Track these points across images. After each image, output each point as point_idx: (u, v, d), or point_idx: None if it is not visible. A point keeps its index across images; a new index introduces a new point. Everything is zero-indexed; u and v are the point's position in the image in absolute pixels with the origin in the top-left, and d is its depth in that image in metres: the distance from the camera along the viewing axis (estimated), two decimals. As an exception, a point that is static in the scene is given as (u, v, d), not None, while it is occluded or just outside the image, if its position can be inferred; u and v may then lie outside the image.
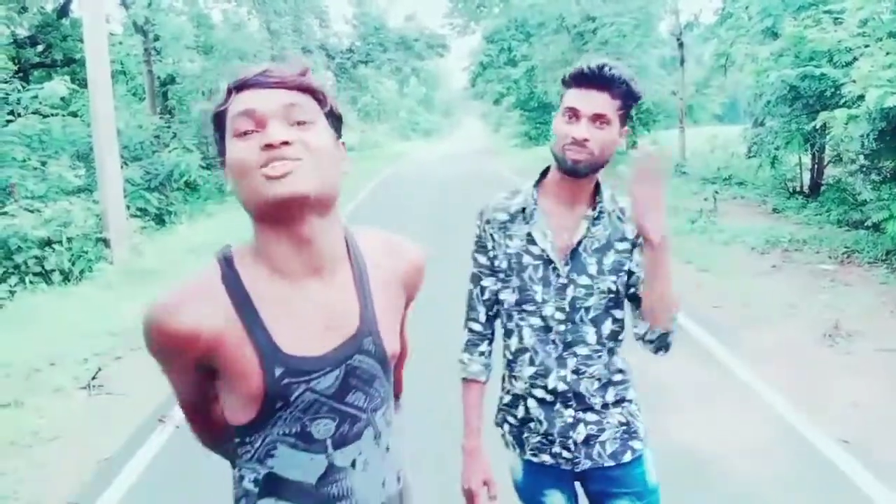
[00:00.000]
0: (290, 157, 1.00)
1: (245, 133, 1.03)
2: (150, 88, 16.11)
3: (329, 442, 1.10)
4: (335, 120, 1.11)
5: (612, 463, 1.68)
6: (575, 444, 1.67)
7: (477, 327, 1.77)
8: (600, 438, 1.67)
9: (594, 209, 1.65)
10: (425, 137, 57.93)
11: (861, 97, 6.77)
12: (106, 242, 8.27)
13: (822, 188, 11.28)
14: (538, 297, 1.65)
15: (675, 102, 17.70)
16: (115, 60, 14.39)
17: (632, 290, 1.66)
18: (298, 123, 1.04)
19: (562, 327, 1.64)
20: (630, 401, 1.71)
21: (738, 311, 5.93)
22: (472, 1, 28.77)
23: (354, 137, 32.22)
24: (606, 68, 1.54)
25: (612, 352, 1.68)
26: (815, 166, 11.51)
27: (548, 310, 1.65)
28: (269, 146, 1.00)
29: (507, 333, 1.72)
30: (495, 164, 25.40)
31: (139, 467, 3.62)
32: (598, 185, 1.67)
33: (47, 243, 7.74)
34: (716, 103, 22.48)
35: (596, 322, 1.65)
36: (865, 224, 8.13)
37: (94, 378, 4.85)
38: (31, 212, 8.02)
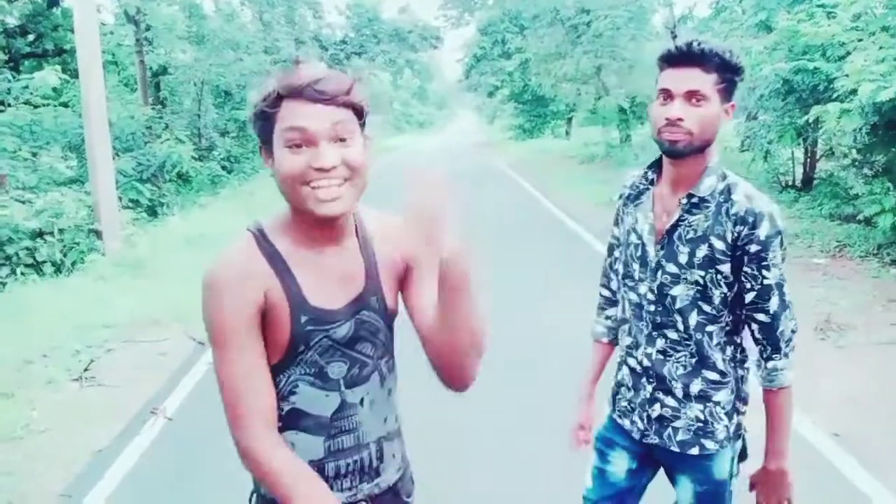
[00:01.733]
0: (336, 178, 1.17)
1: (296, 145, 1.17)
2: (142, 79, 16.01)
3: (342, 381, 1.30)
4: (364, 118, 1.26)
5: (678, 450, 1.70)
6: (649, 418, 1.72)
7: (606, 293, 1.91)
8: (674, 424, 1.69)
9: (687, 196, 1.60)
10: (419, 129, 57.81)
11: (854, 91, 6.78)
12: (98, 234, 8.23)
13: (815, 182, 11.32)
14: (636, 275, 1.71)
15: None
16: (107, 51, 14.30)
17: (740, 294, 1.60)
18: (341, 140, 1.18)
19: (652, 307, 1.67)
20: (717, 402, 1.66)
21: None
22: (466, -8, 28.66)
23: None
24: (695, 43, 1.51)
25: (705, 345, 1.64)
26: (808, 160, 11.54)
27: (642, 288, 1.69)
28: (320, 169, 1.16)
29: (621, 302, 1.81)
30: (498, 159, 25.32)
31: (131, 459, 3.61)
32: (705, 170, 1.60)
33: (39, 234, 7.70)
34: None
35: (682, 312, 1.63)
36: (857, 218, 8.17)
37: (86, 370, 4.84)
38: (23, 203, 7.98)
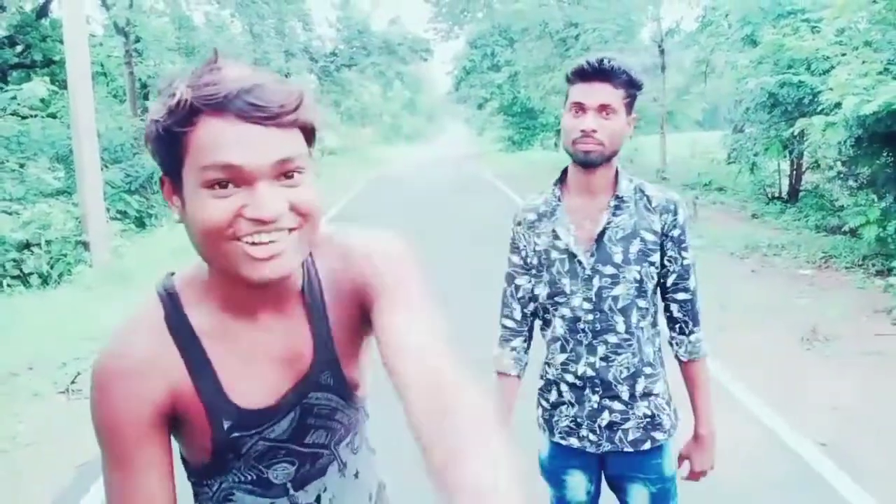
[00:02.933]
0: (282, 229, 0.83)
1: (219, 185, 0.81)
2: (131, 90, 15.98)
3: (290, 485, 1.02)
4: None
5: (630, 449, 1.74)
6: (599, 427, 1.74)
7: (510, 323, 1.84)
8: (623, 426, 1.73)
9: (614, 198, 1.69)
10: (409, 141, 57.92)
11: (838, 105, 6.87)
12: (85, 245, 8.18)
13: (801, 194, 11.43)
14: (567, 290, 1.72)
15: (656, 108, 17.86)
16: (96, 62, 14.27)
17: (661, 280, 1.73)
18: (287, 176, 0.84)
19: (590, 317, 1.70)
20: (657, 394, 1.75)
21: (717, 315, 5.98)
22: (455, 6, 28.81)
23: (336, 141, 32.13)
24: (606, 61, 1.61)
25: (642, 342, 1.72)
26: (794, 172, 11.66)
27: (576, 300, 1.71)
28: (259, 221, 0.81)
29: (545, 324, 1.81)
30: (486, 170, 25.37)
31: (118, 472, 3.58)
32: (617, 175, 1.72)
33: (26, 246, 7.66)
34: (696, 109, 22.74)
35: (624, 311, 1.69)
36: (843, 229, 8.25)
37: (73, 382, 4.80)
38: (10, 214, 7.94)
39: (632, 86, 1.64)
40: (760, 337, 5.38)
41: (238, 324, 0.95)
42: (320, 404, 1.00)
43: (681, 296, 1.74)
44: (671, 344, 1.80)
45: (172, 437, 0.98)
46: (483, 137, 43.75)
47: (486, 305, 5.95)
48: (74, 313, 6.32)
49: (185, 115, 0.80)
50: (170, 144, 0.83)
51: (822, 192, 10.59)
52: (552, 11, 20.49)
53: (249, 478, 1.00)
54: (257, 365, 0.96)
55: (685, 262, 1.72)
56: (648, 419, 1.74)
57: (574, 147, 1.64)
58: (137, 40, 15.59)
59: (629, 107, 1.67)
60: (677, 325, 1.77)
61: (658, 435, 1.75)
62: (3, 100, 10.36)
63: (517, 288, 1.81)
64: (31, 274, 7.52)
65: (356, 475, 1.10)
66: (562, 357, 1.76)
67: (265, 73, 0.85)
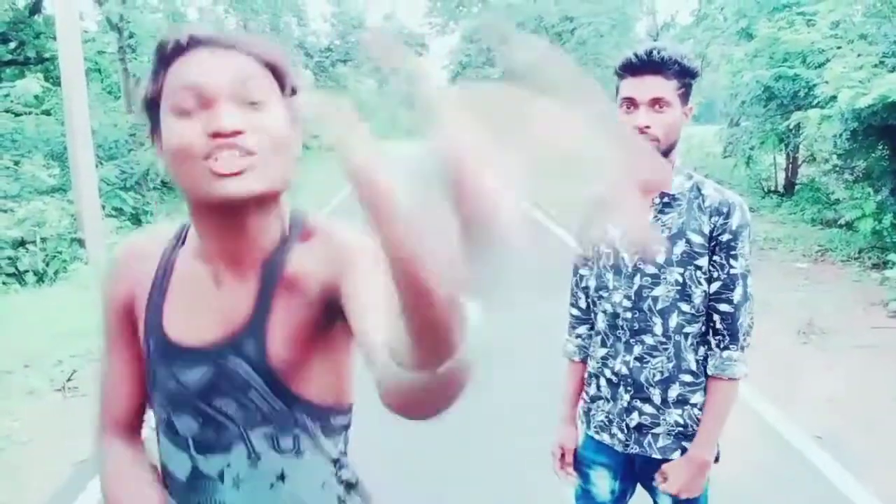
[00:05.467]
0: (243, 147, 0.87)
1: (187, 112, 0.87)
2: (125, 86, 15.92)
3: (191, 442, 1.02)
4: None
5: (658, 456, 1.69)
6: (628, 427, 1.71)
7: (575, 312, 1.88)
8: (653, 431, 1.69)
9: (663, 195, 1.62)
10: (409, 137, 57.83)
11: (833, 98, 6.88)
12: (81, 242, 8.16)
13: (797, 187, 11.45)
14: (609, 285, 1.70)
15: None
16: (89, 58, 14.22)
17: (703, 287, 1.61)
18: (252, 103, 0.88)
19: (628, 314, 1.67)
20: (694, 404, 1.66)
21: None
22: (450, 0, 28.78)
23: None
24: (655, 51, 1.53)
25: (682, 347, 1.64)
26: (790, 166, 11.68)
27: (616, 297, 1.68)
28: (217, 134, 0.86)
29: (594, 316, 1.79)
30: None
31: (115, 470, 3.57)
32: (673, 170, 1.65)
33: (21, 244, 7.63)
34: (692, 103, 22.72)
35: (663, 313, 1.63)
36: (839, 223, 8.27)
37: (68, 380, 4.79)
38: (4, 212, 7.91)
39: (685, 74, 1.56)
40: (756, 330, 5.33)
41: (199, 268, 1.01)
42: (236, 372, 0.98)
43: (723, 307, 1.61)
44: (706, 354, 1.69)
45: None
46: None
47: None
48: (70, 311, 6.30)
49: (157, 68, 0.92)
50: (152, 93, 0.92)
51: (818, 186, 10.61)
52: (547, 6, 20.48)
53: (163, 416, 1.04)
54: (197, 309, 1.01)
55: (732, 271, 1.59)
56: (681, 428, 1.67)
57: None
58: (131, 36, 15.51)
59: (684, 97, 1.58)
60: (715, 338, 1.65)
61: (689, 445, 1.67)
62: (-3, 97, 10.33)
63: (581, 278, 1.84)
64: (26, 271, 7.49)
65: (281, 478, 1.03)
66: (602, 351, 1.75)
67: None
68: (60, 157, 10.48)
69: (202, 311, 1.00)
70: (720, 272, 1.60)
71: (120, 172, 12.75)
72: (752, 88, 9.87)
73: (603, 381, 1.75)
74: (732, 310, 1.61)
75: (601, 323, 1.74)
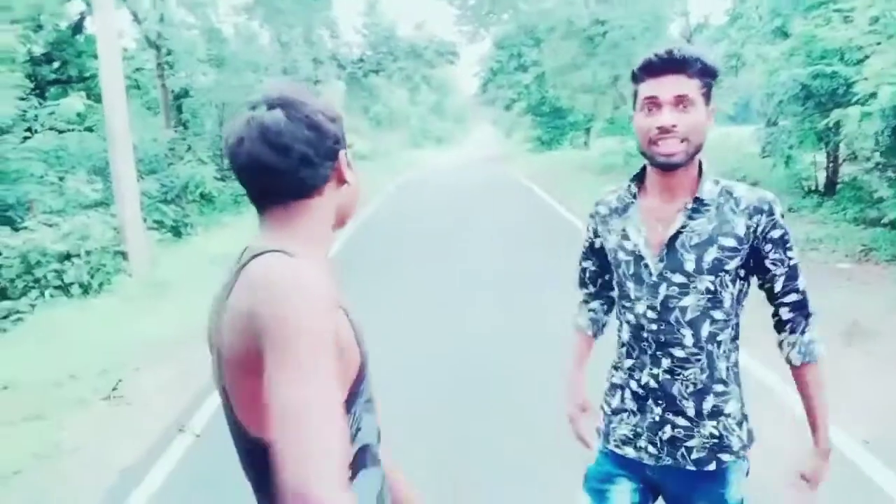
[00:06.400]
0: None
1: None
2: (164, 102, 16.28)
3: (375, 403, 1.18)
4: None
5: (693, 468, 1.62)
6: (661, 441, 1.63)
7: (586, 290, 1.93)
8: (687, 444, 1.61)
9: (693, 200, 1.54)
10: (437, 144, 58.04)
11: (873, 94, 6.74)
12: (124, 255, 8.36)
13: (838, 186, 11.20)
14: (631, 294, 1.62)
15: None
16: (129, 75, 14.57)
17: (767, 286, 1.60)
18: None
19: (654, 326, 1.58)
20: (728, 414, 1.61)
21: (755, 311, 5.88)
22: (480, 7, 28.81)
23: (366, 146, 32.34)
24: (675, 50, 1.48)
25: (714, 357, 1.57)
26: (830, 164, 11.43)
27: (640, 307, 1.60)
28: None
29: (619, 325, 1.72)
30: (516, 170, 25.28)
31: (160, 477, 3.65)
32: (700, 175, 1.57)
33: (66, 257, 7.83)
34: (728, 104, 22.35)
35: (693, 324, 1.55)
36: (882, 222, 8.07)
37: (114, 389, 4.91)
38: (50, 226, 8.12)
39: (707, 74, 1.49)
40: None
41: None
42: None
43: (791, 297, 1.59)
44: (781, 346, 1.65)
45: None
46: (511, 138, 43.67)
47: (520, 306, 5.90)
48: (114, 322, 6.46)
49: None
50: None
51: (860, 184, 10.35)
52: (578, 9, 20.37)
53: (368, 395, 1.15)
54: None
55: (792, 262, 1.56)
56: (716, 440, 1.60)
57: (652, 149, 1.50)
58: (169, 53, 15.86)
59: (707, 97, 1.51)
60: (788, 325, 1.61)
61: (725, 456, 1.61)
62: (42, 115, 10.63)
63: (584, 270, 1.88)
64: (71, 284, 7.69)
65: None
66: (628, 363, 1.67)
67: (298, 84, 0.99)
68: (103, 171, 10.74)
69: None
70: (781, 267, 1.56)
71: (160, 186, 13.03)
72: (790, 87, 9.70)
73: (628, 394, 1.68)
74: (801, 297, 1.60)
75: (625, 333, 1.67)
